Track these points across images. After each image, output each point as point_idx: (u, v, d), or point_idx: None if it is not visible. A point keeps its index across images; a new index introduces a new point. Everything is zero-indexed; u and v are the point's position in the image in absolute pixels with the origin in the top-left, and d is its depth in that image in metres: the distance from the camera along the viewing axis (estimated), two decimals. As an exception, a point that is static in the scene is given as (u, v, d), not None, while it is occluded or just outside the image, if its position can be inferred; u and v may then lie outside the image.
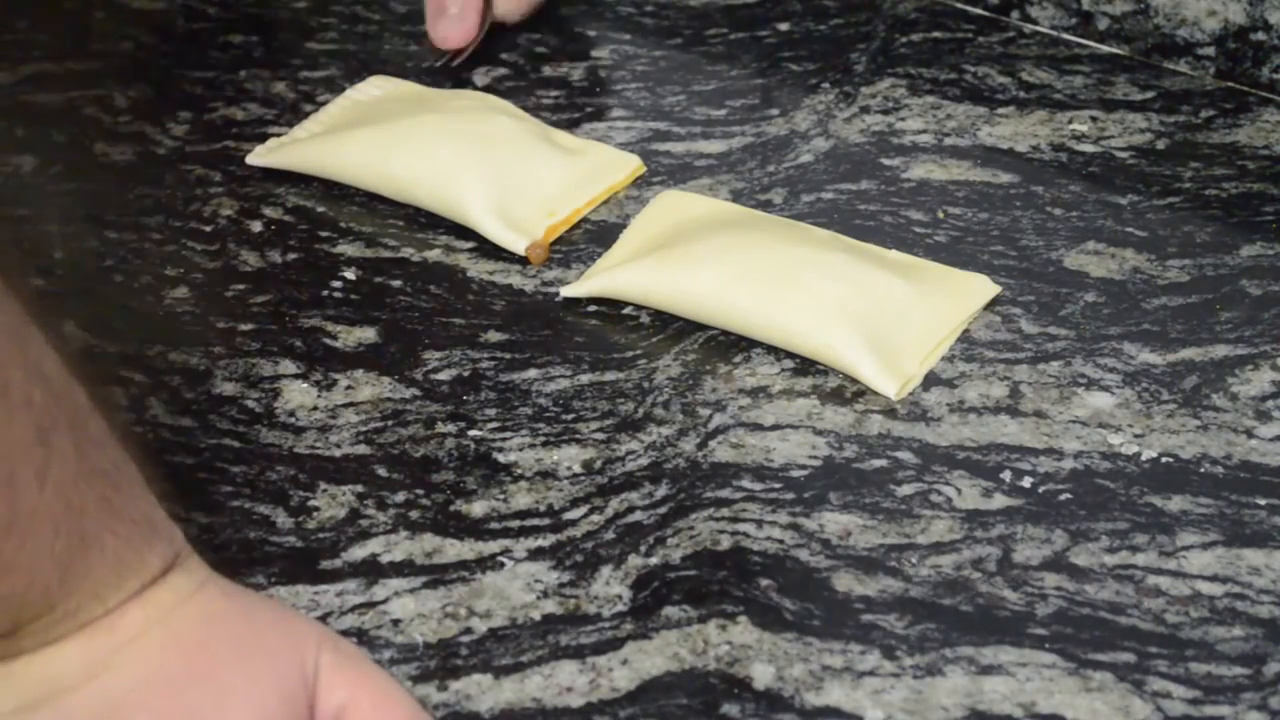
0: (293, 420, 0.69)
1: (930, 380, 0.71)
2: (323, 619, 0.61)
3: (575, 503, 0.66)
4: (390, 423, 0.69)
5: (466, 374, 0.72)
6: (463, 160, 0.79)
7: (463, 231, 0.79)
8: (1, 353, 0.48)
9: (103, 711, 0.51)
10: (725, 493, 0.66)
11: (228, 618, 0.54)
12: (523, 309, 0.75)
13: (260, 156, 0.83)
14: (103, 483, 0.51)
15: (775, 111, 0.86)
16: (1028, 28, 0.92)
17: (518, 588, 0.62)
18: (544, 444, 0.68)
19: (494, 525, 0.65)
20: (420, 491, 0.66)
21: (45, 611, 0.50)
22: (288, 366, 0.72)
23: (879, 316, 0.71)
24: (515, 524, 0.65)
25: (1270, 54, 0.86)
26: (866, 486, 0.66)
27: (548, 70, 0.90)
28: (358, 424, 0.69)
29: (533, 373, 0.72)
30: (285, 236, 0.79)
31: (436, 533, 0.65)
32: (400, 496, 0.66)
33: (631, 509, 0.66)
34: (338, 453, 0.68)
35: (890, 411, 0.69)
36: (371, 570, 0.63)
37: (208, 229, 0.80)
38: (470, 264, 0.78)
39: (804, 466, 0.67)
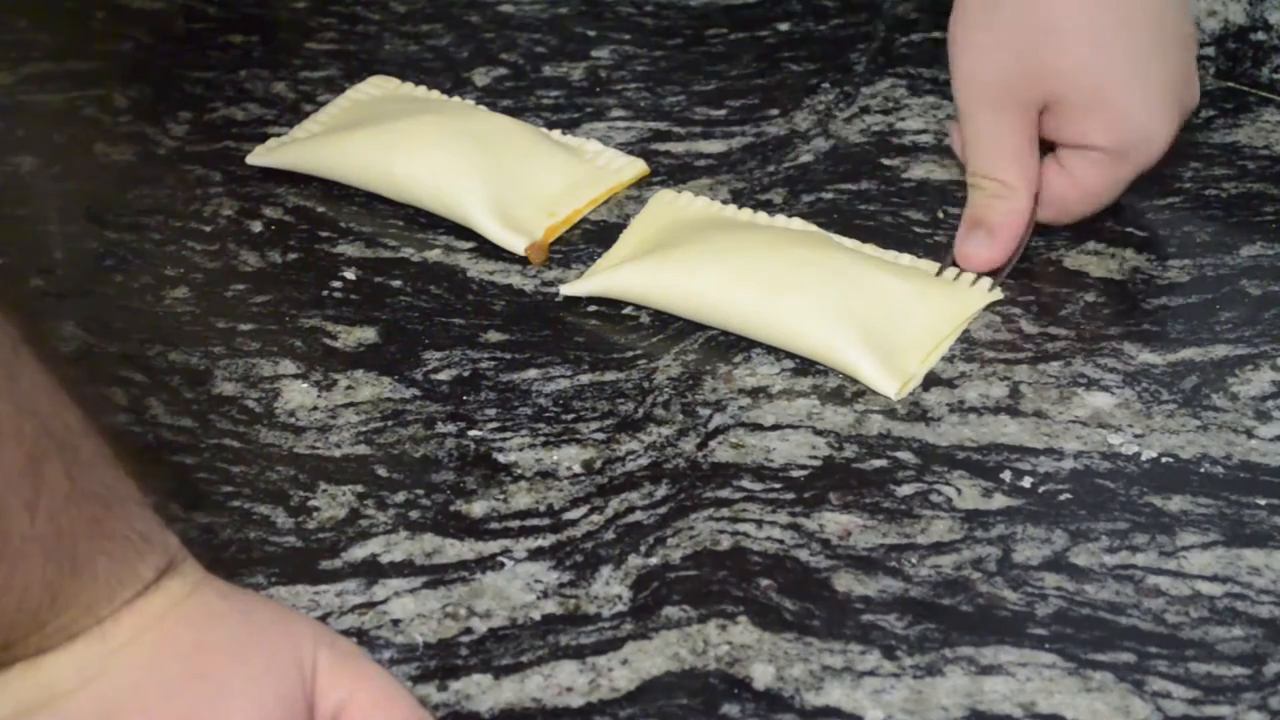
0: (293, 420, 0.69)
1: (930, 380, 0.71)
2: (323, 619, 0.61)
3: (575, 503, 0.66)
4: (390, 423, 0.69)
5: (466, 374, 0.72)
6: (463, 160, 0.79)
7: (463, 231, 0.79)
8: None
9: (101, 714, 0.51)
10: (725, 493, 0.66)
11: (224, 619, 0.54)
12: (523, 309, 0.75)
13: (260, 156, 0.83)
14: (94, 505, 0.51)
15: (775, 111, 0.86)
16: (1028, 28, 0.92)
17: (518, 588, 0.62)
18: (544, 444, 0.68)
19: (494, 525, 0.65)
20: (420, 491, 0.66)
21: (35, 630, 0.50)
22: (288, 366, 0.72)
23: (879, 316, 0.71)
24: (515, 524, 0.65)
25: (1270, 54, 0.86)
26: (866, 486, 0.66)
27: (548, 70, 0.90)
28: (358, 424, 0.69)
29: (533, 373, 0.72)
30: (285, 236, 0.79)
31: (436, 533, 0.65)
32: (400, 496, 0.66)
33: (631, 509, 0.65)
34: (338, 453, 0.68)
35: (890, 411, 0.69)
36: (371, 570, 0.63)
37: (208, 229, 0.80)
38: (470, 264, 0.78)
39: (804, 466, 0.67)
